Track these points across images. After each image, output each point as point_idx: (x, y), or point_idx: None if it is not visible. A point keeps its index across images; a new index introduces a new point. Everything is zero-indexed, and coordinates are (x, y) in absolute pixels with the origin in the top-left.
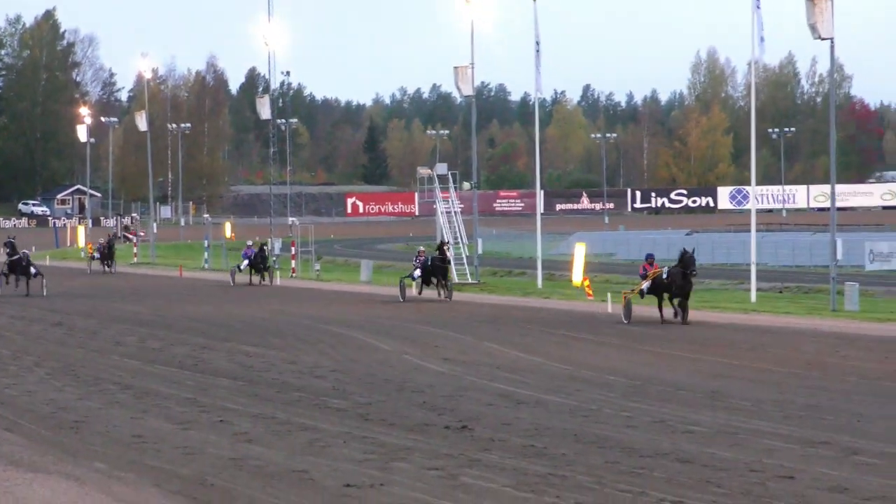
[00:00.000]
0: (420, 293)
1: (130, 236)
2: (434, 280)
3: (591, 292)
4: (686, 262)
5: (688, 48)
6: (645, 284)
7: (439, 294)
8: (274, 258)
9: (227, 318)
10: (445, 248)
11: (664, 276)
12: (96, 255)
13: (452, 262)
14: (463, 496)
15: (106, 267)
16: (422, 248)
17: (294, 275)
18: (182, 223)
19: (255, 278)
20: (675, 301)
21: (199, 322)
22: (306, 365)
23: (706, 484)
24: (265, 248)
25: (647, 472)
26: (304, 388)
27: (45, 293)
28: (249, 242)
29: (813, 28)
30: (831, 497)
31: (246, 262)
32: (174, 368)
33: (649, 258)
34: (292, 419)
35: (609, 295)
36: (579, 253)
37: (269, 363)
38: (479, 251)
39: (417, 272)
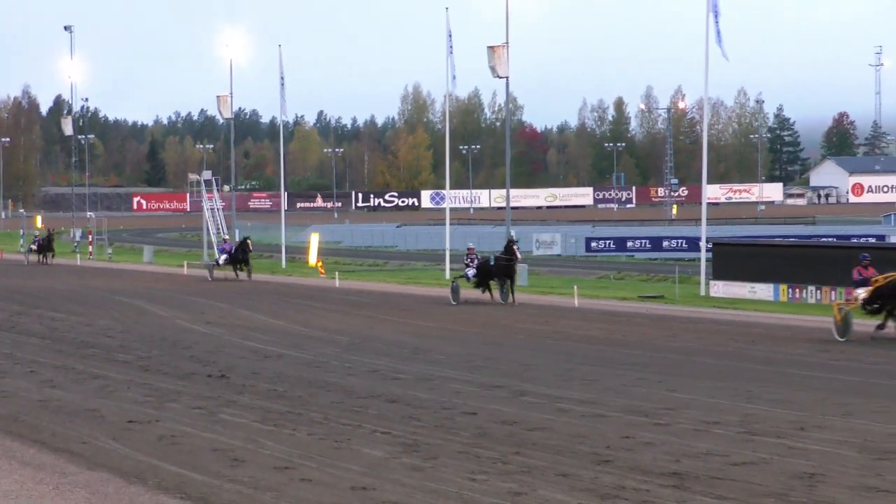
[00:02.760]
0: (489, 294)
1: None
2: (495, 281)
3: (322, 270)
4: None
5: (398, 83)
6: (862, 293)
7: (491, 296)
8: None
9: (37, 290)
10: (515, 247)
11: None
12: (34, 247)
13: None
14: (221, 429)
15: (44, 258)
16: (471, 245)
17: (91, 257)
18: (2, 216)
19: (238, 273)
20: None
21: (15, 293)
22: (99, 327)
23: (409, 419)
24: (248, 241)
25: (363, 409)
26: (97, 345)
27: None
28: (226, 237)
29: (493, 69)
30: (504, 428)
31: (225, 256)
32: None
33: (864, 260)
34: (87, 369)
35: (337, 273)
36: (314, 240)
37: (71, 325)
38: (237, 239)
39: (471, 272)
